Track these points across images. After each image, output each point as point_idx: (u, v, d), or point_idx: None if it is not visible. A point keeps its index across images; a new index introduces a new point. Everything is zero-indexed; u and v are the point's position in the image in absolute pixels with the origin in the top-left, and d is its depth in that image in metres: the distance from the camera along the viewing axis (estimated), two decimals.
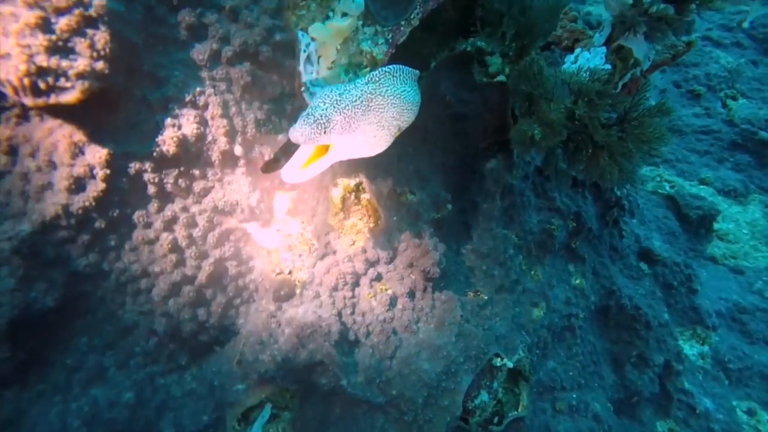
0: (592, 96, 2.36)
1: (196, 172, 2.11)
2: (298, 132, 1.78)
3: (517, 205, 3.26)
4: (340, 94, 1.94)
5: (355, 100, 1.97)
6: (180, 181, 2.12)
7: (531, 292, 3.23)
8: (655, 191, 5.70)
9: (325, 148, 1.98)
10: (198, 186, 2.15)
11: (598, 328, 3.71)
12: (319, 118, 1.83)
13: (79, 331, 2.29)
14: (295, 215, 2.65)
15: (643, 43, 2.81)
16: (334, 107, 1.88)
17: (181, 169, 2.09)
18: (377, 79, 2.13)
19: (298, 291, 2.51)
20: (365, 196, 2.79)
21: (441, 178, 3.07)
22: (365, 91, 2.06)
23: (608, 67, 2.61)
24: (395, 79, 2.22)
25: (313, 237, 2.66)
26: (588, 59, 2.56)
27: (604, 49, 2.81)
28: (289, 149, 2.31)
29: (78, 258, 2.06)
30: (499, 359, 2.78)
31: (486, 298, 3.00)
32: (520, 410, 2.97)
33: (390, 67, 2.21)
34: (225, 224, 2.26)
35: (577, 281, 3.54)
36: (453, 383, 2.58)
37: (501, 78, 2.90)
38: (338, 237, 2.71)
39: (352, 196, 2.79)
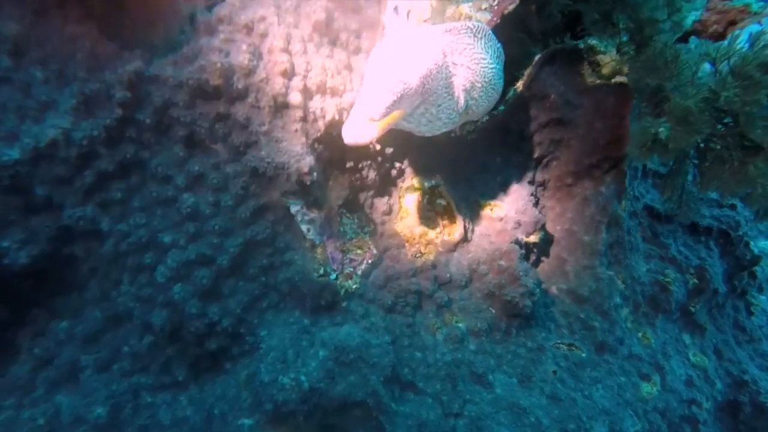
0: (751, 71, 1.73)
1: (239, 117, 1.63)
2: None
3: (625, 244, 2.57)
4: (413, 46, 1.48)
5: (427, 54, 1.49)
6: (217, 126, 1.64)
7: (640, 360, 2.43)
8: None
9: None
10: (238, 137, 1.66)
11: (722, 431, 2.78)
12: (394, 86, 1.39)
13: (58, 311, 1.76)
14: (353, 208, 2.10)
15: None
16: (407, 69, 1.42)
17: (221, 110, 1.61)
18: (457, 31, 1.66)
19: (343, 304, 1.89)
20: (441, 202, 2.21)
21: (533, 198, 2.46)
22: (440, 43, 1.58)
23: None
24: (478, 41, 1.73)
25: (372, 240, 2.08)
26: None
27: None
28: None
29: (72, 207, 1.58)
30: None
31: (584, 356, 2.24)
32: None
33: (476, 24, 1.73)
34: (264, 196, 1.73)
35: (697, 358, 2.70)
36: None
37: (619, 79, 2.34)
38: (403, 246, 2.11)
39: (425, 200, 2.23)
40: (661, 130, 1.90)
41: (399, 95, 1.42)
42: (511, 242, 2.16)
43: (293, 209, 1.77)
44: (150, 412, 1.78)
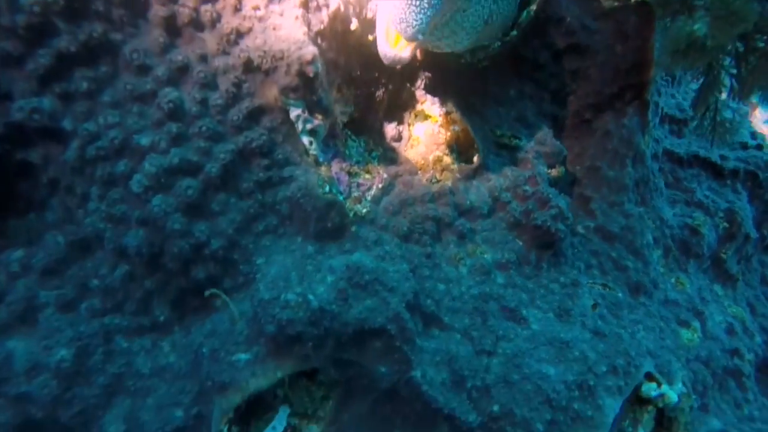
0: None
1: None
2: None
3: (650, 184, 2.37)
4: None
5: None
6: (204, 9, 1.39)
7: (677, 305, 2.20)
8: None
9: None
10: (229, 22, 1.42)
11: (763, 392, 2.55)
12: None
13: (11, 237, 1.46)
14: (359, 130, 1.86)
15: None
16: None
17: None
18: None
19: (352, 228, 1.63)
20: (456, 128, 1.99)
21: (551, 131, 2.25)
22: None
23: None
24: None
25: (381, 166, 1.83)
26: None
27: None
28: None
29: (24, 97, 1.30)
30: (654, 386, 1.73)
31: (620, 296, 2.01)
32: None
33: None
34: (260, 95, 1.48)
35: (733, 309, 2.48)
36: (590, 406, 1.54)
37: None
38: (416, 173, 1.87)
39: (438, 126, 2.00)
40: (697, 27, 1.71)
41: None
42: (535, 171, 1.93)
43: (293, 113, 1.52)
44: (126, 359, 1.48)
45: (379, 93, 1.83)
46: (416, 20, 1.32)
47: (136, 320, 1.51)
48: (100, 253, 1.47)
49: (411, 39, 1.38)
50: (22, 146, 1.36)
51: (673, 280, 2.32)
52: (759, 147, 2.62)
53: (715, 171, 2.61)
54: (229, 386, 1.34)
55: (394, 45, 1.45)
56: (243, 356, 1.35)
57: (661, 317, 2.11)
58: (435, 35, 1.61)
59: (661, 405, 1.76)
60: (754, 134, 2.85)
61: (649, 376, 1.74)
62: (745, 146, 2.64)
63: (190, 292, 1.52)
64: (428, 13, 1.33)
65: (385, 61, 1.49)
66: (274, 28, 1.45)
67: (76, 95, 1.34)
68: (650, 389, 1.72)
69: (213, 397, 1.37)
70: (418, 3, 1.31)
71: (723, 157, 2.55)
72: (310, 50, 1.43)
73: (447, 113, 2.01)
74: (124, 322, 1.50)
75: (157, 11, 1.35)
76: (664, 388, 1.73)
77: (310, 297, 1.30)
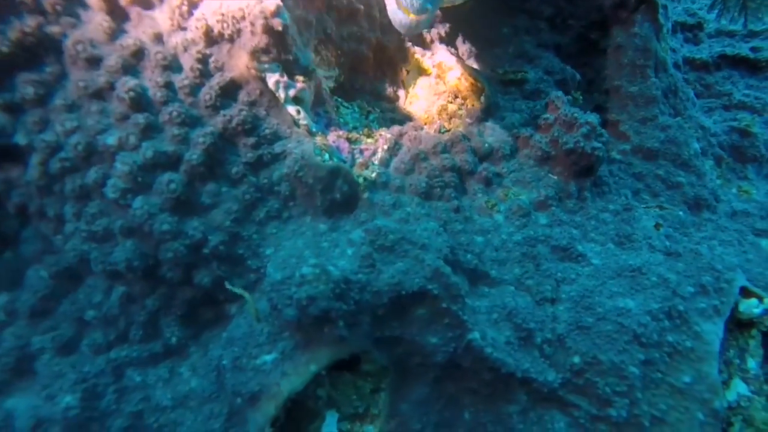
0: None
1: None
2: None
3: (679, 93, 2.13)
4: None
5: None
6: None
7: (747, 215, 1.93)
8: None
9: None
10: None
11: None
12: None
13: None
14: (349, 95, 1.68)
15: None
16: None
17: None
18: None
19: (364, 195, 1.42)
20: (454, 74, 1.79)
21: (557, 59, 2.04)
22: None
23: None
24: None
25: (382, 127, 1.64)
26: None
27: None
28: None
29: None
30: (756, 301, 1.46)
31: (681, 214, 1.75)
32: None
33: None
34: (230, 67, 1.31)
35: None
36: (687, 335, 1.29)
37: None
38: (421, 127, 1.67)
39: (434, 77, 1.81)
40: None
41: None
42: (551, 96, 1.71)
43: (271, 80, 1.34)
44: (142, 393, 1.29)
45: (364, 50, 1.65)
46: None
47: (146, 348, 1.32)
48: (90, 278, 1.29)
49: (419, 12, 1.23)
50: None
51: (734, 190, 2.05)
52: None
53: (750, 65, 2.35)
54: (260, 395, 1.13)
55: (408, 12, 1.27)
56: (268, 357, 1.14)
57: (734, 230, 1.84)
58: None
59: (766, 325, 1.49)
60: None
61: (746, 292, 1.48)
62: None
63: (200, 302, 1.33)
64: None
65: (402, 30, 1.32)
66: None
67: (24, 104, 1.19)
68: (751, 306, 1.46)
69: (246, 414, 1.16)
70: None
71: (755, 49, 2.30)
72: (272, 1, 1.26)
73: (441, 62, 1.82)
74: (134, 353, 1.31)
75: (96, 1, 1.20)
76: (766, 300, 1.46)
77: (330, 267, 1.10)
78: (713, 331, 1.31)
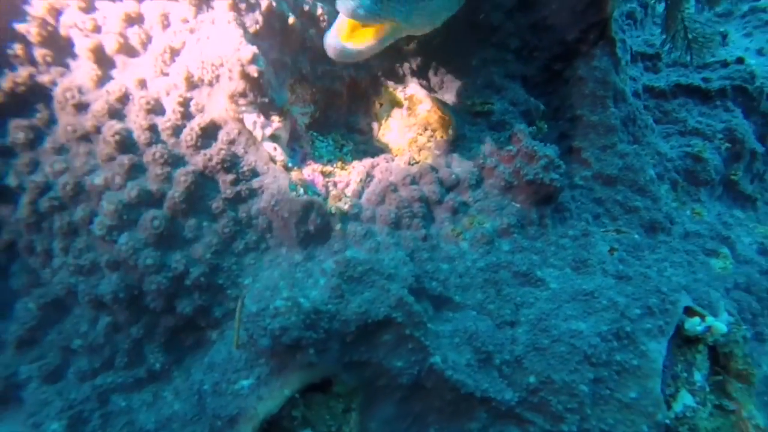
0: None
1: (153, 15, 1.33)
2: None
3: (638, 121, 2.27)
4: None
5: None
6: (131, 31, 1.33)
7: (699, 236, 2.07)
8: None
9: None
10: (160, 41, 1.36)
11: None
12: None
13: None
14: (324, 129, 1.78)
15: None
16: None
17: (129, 10, 1.31)
18: None
19: (337, 227, 1.52)
20: (423, 107, 1.91)
21: (523, 90, 2.17)
22: None
23: None
24: None
25: (355, 160, 1.75)
26: None
27: None
28: None
29: None
30: (698, 320, 1.59)
31: (636, 237, 1.88)
32: None
33: None
34: (209, 110, 1.41)
35: (760, 229, 2.34)
36: (634, 354, 1.41)
37: None
38: (392, 159, 1.78)
39: (405, 109, 1.92)
40: None
41: None
42: (514, 128, 1.83)
43: (248, 120, 1.44)
44: (126, 418, 1.36)
45: (337, 87, 1.76)
46: None
47: (130, 374, 1.40)
48: (77, 309, 1.37)
49: (353, 16, 1.30)
50: None
51: (688, 212, 2.19)
52: (740, 60, 2.52)
53: (702, 94, 2.51)
54: (239, 418, 1.21)
55: (345, 37, 1.36)
56: (245, 382, 1.23)
57: (686, 251, 1.98)
58: (402, 8, 1.47)
59: (711, 341, 1.62)
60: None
61: (690, 311, 1.60)
62: (725, 64, 2.55)
63: (182, 330, 1.42)
64: None
65: (332, 55, 1.38)
66: (207, 38, 1.38)
67: (15, 148, 1.27)
68: (694, 325, 1.58)
69: None
70: None
71: (706, 80, 2.46)
72: (249, 49, 1.36)
73: (412, 95, 1.93)
74: (119, 379, 1.39)
75: (82, 44, 1.29)
76: (709, 320, 1.59)
77: (301, 300, 1.19)
78: (658, 349, 1.43)
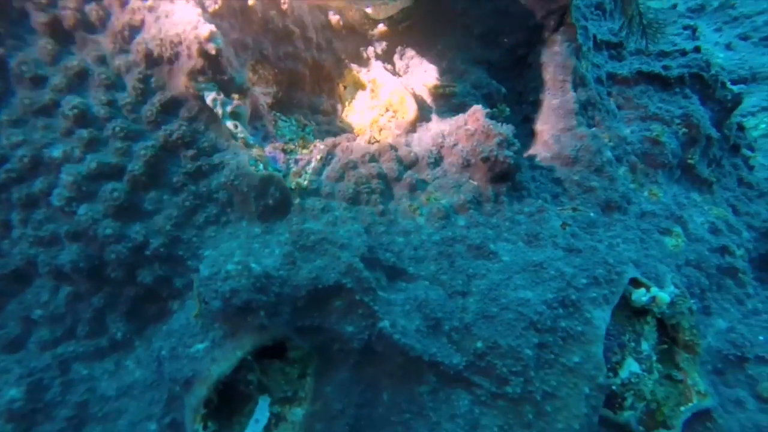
0: None
1: None
2: None
3: (598, 105, 2.34)
4: None
5: None
6: (88, 7, 1.37)
7: (654, 216, 2.15)
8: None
9: None
10: (119, 18, 1.39)
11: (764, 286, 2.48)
12: None
13: None
14: (288, 110, 1.83)
15: None
16: None
17: None
18: None
19: (296, 201, 1.57)
20: (387, 89, 1.96)
21: (486, 74, 2.23)
22: None
23: None
24: None
25: (317, 139, 1.79)
26: None
27: None
28: None
29: None
30: (644, 290, 1.66)
31: (592, 215, 1.95)
32: (695, 399, 1.73)
33: None
34: (170, 86, 1.45)
35: (713, 211, 2.43)
36: (579, 321, 1.47)
37: None
38: (354, 139, 1.83)
39: (369, 91, 1.97)
40: None
41: None
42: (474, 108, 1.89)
43: (208, 97, 1.48)
44: (87, 385, 1.40)
45: (300, 68, 1.80)
46: None
47: (92, 343, 1.44)
48: (38, 280, 1.40)
49: None
50: None
51: (646, 193, 2.27)
52: (697, 49, 2.60)
53: (662, 81, 2.59)
54: (194, 380, 1.26)
55: None
56: (200, 345, 1.28)
57: (640, 230, 2.05)
58: None
59: (658, 312, 1.69)
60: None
61: (636, 283, 1.67)
62: (684, 52, 2.63)
63: (143, 299, 1.46)
64: None
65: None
66: (166, 16, 1.42)
67: None
68: (640, 295, 1.65)
69: (183, 398, 1.29)
70: None
71: (666, 67, 2.53)
72: (206, 27, 1.40)
73: (374, 78, 1.98)
74: (80, 348, 1.43)
75: (38, 18, 1.32)
76: (654, 290, 1.66)
77: (253, 264, 1.24)
78: (602, 317, 1.50)
